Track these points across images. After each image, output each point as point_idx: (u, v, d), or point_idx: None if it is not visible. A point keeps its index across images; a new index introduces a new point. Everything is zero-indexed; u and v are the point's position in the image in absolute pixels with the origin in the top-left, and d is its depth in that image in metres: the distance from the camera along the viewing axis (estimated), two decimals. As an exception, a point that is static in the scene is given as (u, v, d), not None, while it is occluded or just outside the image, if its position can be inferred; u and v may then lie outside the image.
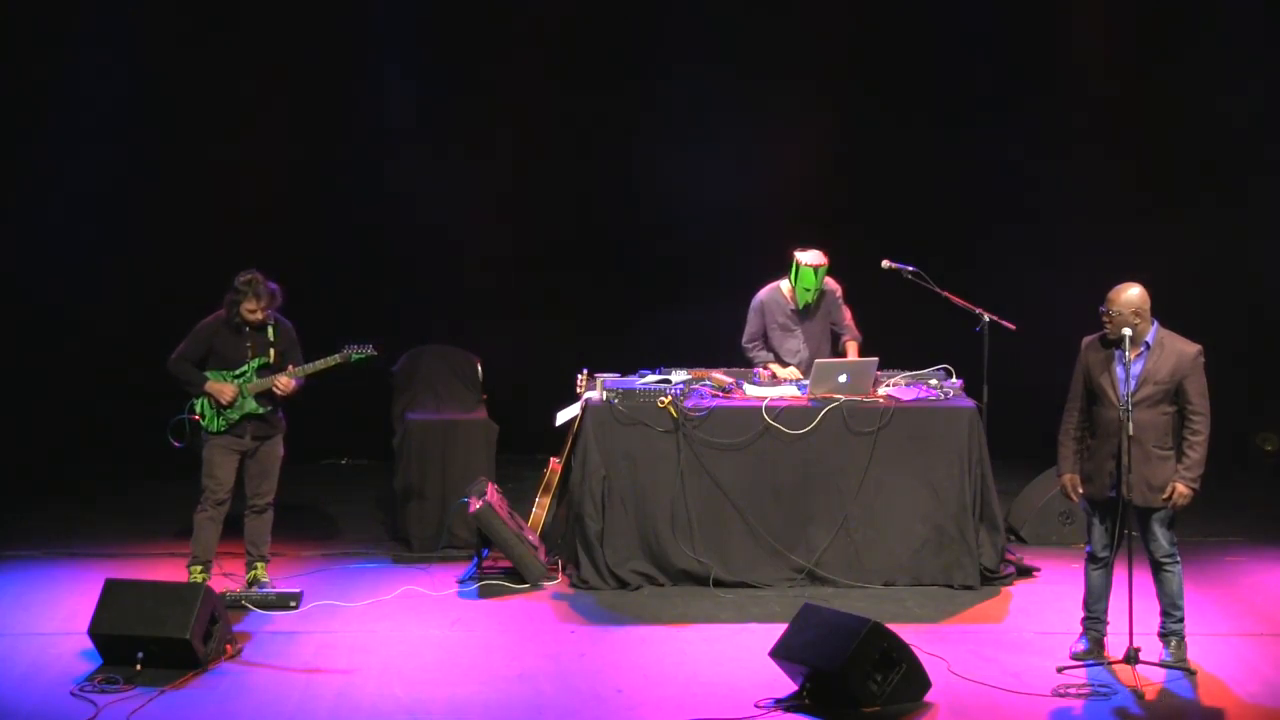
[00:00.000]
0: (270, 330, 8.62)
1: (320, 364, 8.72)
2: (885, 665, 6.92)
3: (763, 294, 9.67)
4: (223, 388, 8.50)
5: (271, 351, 8.62)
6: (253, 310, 8.49)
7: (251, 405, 8.58)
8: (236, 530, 8.83)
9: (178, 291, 11.04)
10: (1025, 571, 9.18)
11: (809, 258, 9.40)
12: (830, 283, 9.63)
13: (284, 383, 8.59)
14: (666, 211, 12.20)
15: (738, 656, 7.67)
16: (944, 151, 12.25)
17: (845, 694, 6.86)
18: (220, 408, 8.53)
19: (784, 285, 9.61)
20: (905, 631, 7.28)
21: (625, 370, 9.39)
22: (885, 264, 9.48)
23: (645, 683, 7.39)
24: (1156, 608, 7.56)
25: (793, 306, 9.59)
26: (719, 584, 8.82)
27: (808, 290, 9.45)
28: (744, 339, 9.69)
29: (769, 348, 9.67)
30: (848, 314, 9.73)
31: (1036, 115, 12.24)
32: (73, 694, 7.12)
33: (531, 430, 10.48)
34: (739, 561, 8.89)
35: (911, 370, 9.30)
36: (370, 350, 8.77)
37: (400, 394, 10.54)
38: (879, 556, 8.90)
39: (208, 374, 8.54)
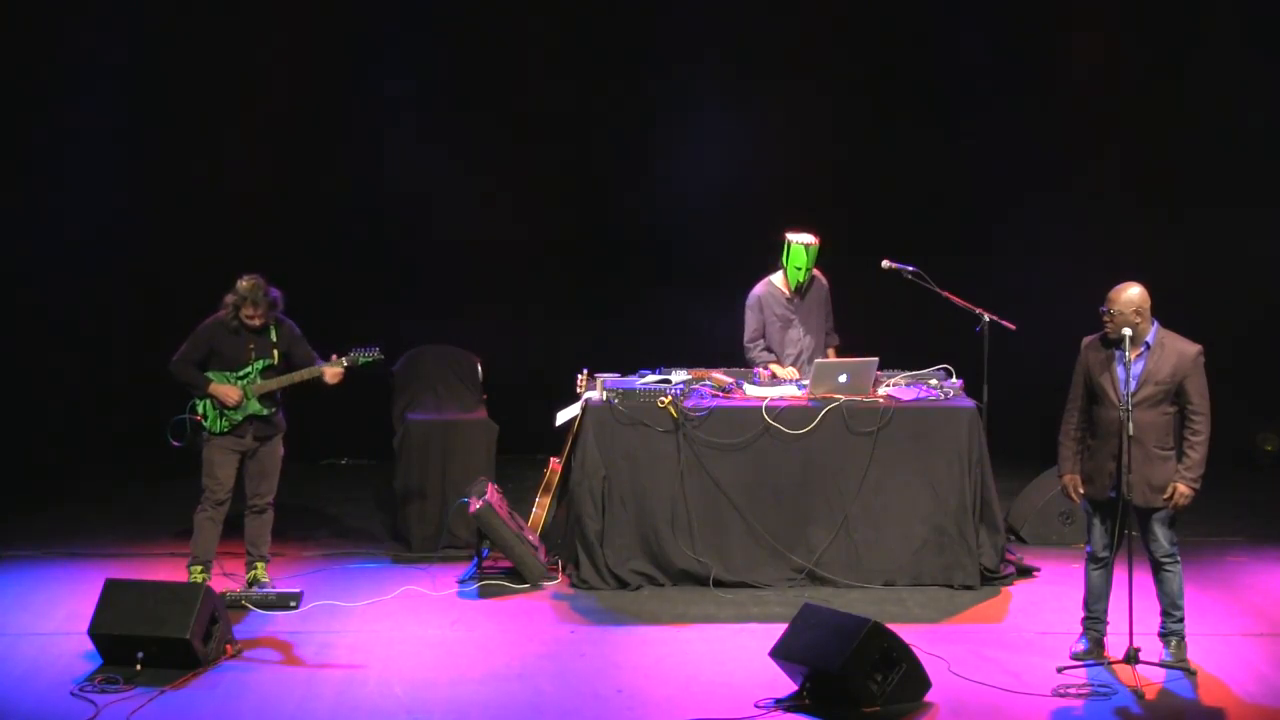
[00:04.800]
0: (272, 331, 8.61)
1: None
2: (885, 665, 6.92)
3: (757, 290, 9.68)
4: (229, 391, 8.49)
5: (275, 353, 8.62)
6: (252, 316, 8.48)
7: (255, 406, 8.58)
8: (236, 530, 8.83)
9: (178, 291, 11.06)
10: (1025, 571, 9.18)
11: (801, 237, 9.48)
12: (821, 276, 9.66)
13: (334, 372, 8.62)
14: (667, 212, 12.19)
15: (738, 656, 7.67)
16: (944, 151, 12.25)
17: (845, 694, 6.86)
18: (224, 409, 8.53)
19: (775, 278, 9.65)
20: (905, 631, 7.28)
21: (625, 370, 9.39)
22: (885, 264, 9.49)
23: (645, 683, 7.39)
24: (1156, 608, 7.56)
25: (787, 294, 9.61)
26: (719, 584, 8.82)
27: (799, 269, 9.50)
28: (746, 339, 9.68)
29: (769, 348, 9.67)
30: (831, 315, 9.77)
31: (1037, 114, 12.25)
32: (73, 694, 7.12)
33: (531, 430, 10.49)
34: (739, 561, 8.89)
35: (911, 370, 9.31)
36: (376, 354, 8.78)
37: (400, 394, 10.53)
38: (879, 556, 8.90)
39: (210, 375, 8.53)
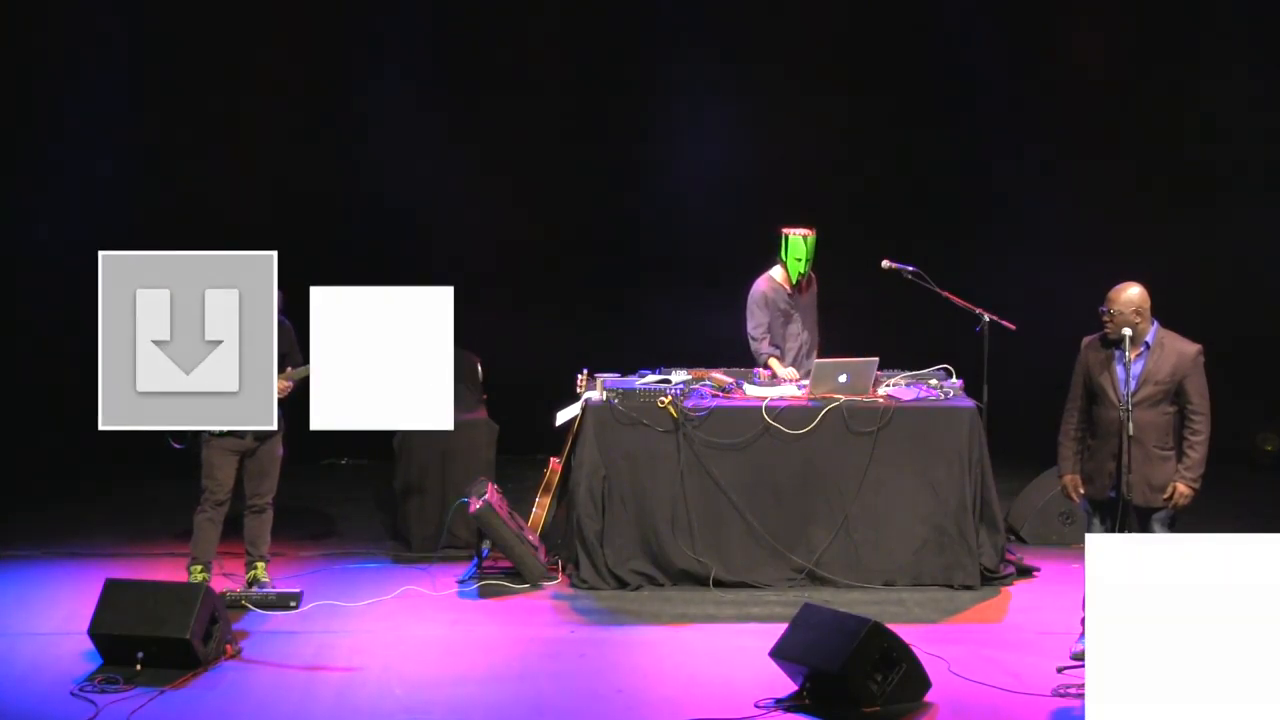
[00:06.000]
0: (274, 332, 8.61)
1: None
2: (885, 665, 6.91)
3: (762, 286, 9.67)
4: None
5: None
6: None
7: (255, 407, 8.58)
8: (236, 530, 8.83)
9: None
10: (1025, 571, 9.18)
11: (797, 230, 9.54)
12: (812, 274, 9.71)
13: (281, 385, 8.59)
14: (667, 212, 12.20)
15: (738, 656, 7.66)
16: (943, 150, 12.26)
17: (845, 694, 6.86)
18: None
19: (774, 273, 9.66)
20: (905, 631, 7.27)
21: (625, 370, 9.39)
22: (885, 264, 9.50)
23: (645, 683, 7.39)
24: (1157, 608, 7.56)
25: (789, 289, 9.62)
26: (719, 584, 8.82)
27: (799, 260, 9.52)
28: (754, 330, 9.61)
29: (774, 342, 9.68)
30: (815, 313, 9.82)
31: (1036, 113, 12.25)
32: (73, 694, 7.12)
33: (531, 430, 10.48)
34: (739, 561, 8.89)
35: (911, 370, 9.31)
36: None
37: (400, 394, 10.53)
38: (879, 556, 8.90)
39: (210, 375, 8.53)
